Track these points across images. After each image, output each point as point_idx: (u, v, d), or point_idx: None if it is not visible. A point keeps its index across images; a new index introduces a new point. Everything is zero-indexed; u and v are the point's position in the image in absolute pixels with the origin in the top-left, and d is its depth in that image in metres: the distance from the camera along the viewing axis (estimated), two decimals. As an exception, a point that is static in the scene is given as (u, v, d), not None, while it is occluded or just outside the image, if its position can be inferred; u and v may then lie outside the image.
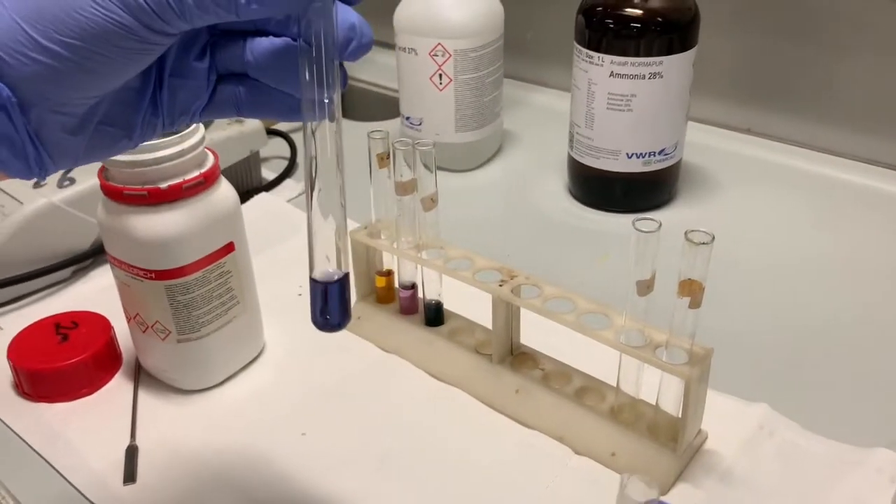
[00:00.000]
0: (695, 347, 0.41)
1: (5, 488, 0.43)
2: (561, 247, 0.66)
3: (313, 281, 0.31)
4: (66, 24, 0.26)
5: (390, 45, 0.76)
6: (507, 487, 0.44)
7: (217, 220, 0.47)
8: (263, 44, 0.30)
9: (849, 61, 0.74)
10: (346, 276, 0.31)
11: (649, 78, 0.63)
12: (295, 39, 0.30)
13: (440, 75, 0.74)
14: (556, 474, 0.44)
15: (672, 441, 0.43)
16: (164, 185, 0.44)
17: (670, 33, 0.62)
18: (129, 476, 0.44)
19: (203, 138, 0.46)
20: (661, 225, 0.39)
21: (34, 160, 0.28)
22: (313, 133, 0.29)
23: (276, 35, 0.30)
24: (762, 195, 0.73)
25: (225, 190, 0.48)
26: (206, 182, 0.46)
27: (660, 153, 0.67)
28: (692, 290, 0.39)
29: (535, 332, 0.49)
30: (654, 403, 0.44)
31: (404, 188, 0.49)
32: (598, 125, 0.67)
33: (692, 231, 0.38)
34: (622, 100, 0.64)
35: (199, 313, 0.48)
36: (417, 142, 0.48)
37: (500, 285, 0.47)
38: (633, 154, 0.66)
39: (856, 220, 0.68)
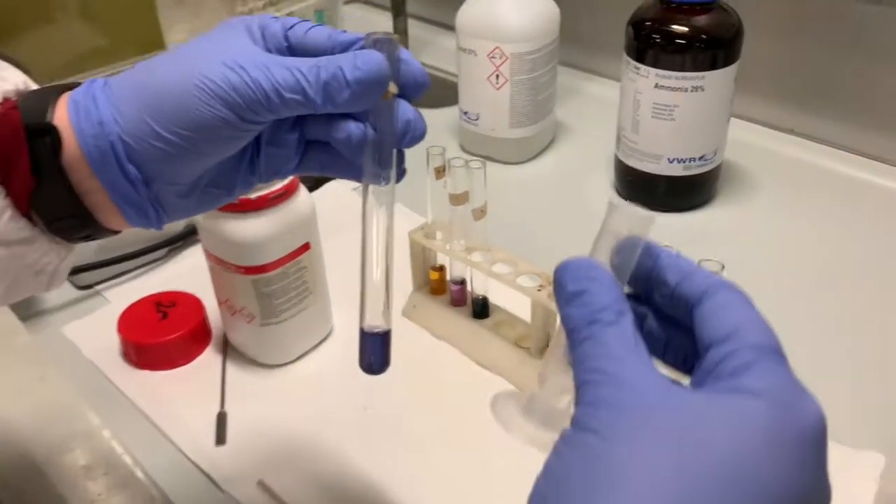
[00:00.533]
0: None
1: (123, 446, 0.53)
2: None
3: (362, 331, 0.38)
4: (182, 119, 0.33)
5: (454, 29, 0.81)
6: (535, 461, 0.51)
7: (296, 225, 0.54)
8: (345, 128, 0.36)
9: (892, 67, 0.77)
10: (389, 332, 0.39)
11: (691, 91, 0.67)
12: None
13: (497, 76, 0.79)
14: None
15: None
16: (253, 196, 0.52)
17: (713, 49, 0.66)
18: (221, 439, 0.53)
19: (286, 155, 0.53)
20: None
21: (154, 218, 0.36)
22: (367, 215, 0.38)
23: (353, 117, 0.37)
24: (801, 197, 0.76)
25: (303, 197, 0.55)
26: (287, 193, 0.53)
27: (699, 159, 0.72)
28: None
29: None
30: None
31: (457, 199, 0.56)
32: (643, 131, 0.71)
33: (705, 260, 0.44)
34: (665, 109, 0.69)
35: (279, 302, 0.56)
36: (470, 160, 0.54)
37: (539, 290, 0.54)
38: (674, 159, 0.71)
39: (892, 227, 0.72)
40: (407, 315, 0.63)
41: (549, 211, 0.78)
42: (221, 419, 0.55)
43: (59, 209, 0.34)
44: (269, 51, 0.36)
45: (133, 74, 0.35)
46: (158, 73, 0.34)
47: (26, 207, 0.34)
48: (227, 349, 0.61)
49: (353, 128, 0.36)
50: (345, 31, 0.37)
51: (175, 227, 0.71)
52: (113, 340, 0.61)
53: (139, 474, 0.51)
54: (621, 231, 0.30)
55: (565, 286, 0.29)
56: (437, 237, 0.61)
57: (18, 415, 0.55)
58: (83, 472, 0.51)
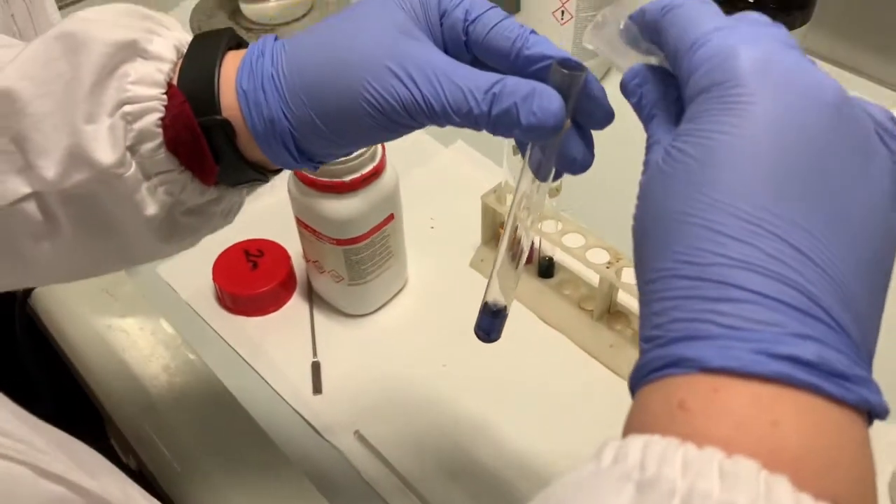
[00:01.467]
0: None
1: (230, 392, 0.60)
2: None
3: (484, 304, 0.41)
4: (347, 125, 0.35)
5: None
6: (593, 425, 0.58)
7: (383, 200, 0.58)
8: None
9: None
10: (505, 309, 0.41)
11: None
12: None
13: (562, 11, 0.79)
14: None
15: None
16: (347, 179, 0.55)
17: (785, 11, 0.67)
18: (317, 388, 0.60)
19: (377, 138, 0.56)
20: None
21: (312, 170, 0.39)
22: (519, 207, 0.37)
23: None
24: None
25: (390, 174, 0.58)
26: (376, 173, 0.57)
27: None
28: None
29: (632, 279, 0.61)
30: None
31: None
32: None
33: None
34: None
35: (366, 267, 0.61)
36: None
37: (608, 267, 0.58)
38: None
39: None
40: (475, 267, 0.68)
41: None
42: (316, 369, 0.61)
43: (240, 177, 0.38)
44: (435, 36, 0.35)
45: (299, 62, 0.35)
46: (324, 73, 0.34)
47: (212, 182, 0.38)
48: (313, 298, 0.66)
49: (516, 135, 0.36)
50: (533, 33, 0.35)
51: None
52: (206, 284, 0.67)
53: (249, 416, 0.58)
54: None
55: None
56: (508, 201, 0.64)
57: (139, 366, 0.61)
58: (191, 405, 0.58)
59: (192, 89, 0.36)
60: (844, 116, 0.26)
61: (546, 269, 0.65)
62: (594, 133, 0.37)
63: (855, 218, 0.25)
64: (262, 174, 0.39)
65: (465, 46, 0.36)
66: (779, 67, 0.26)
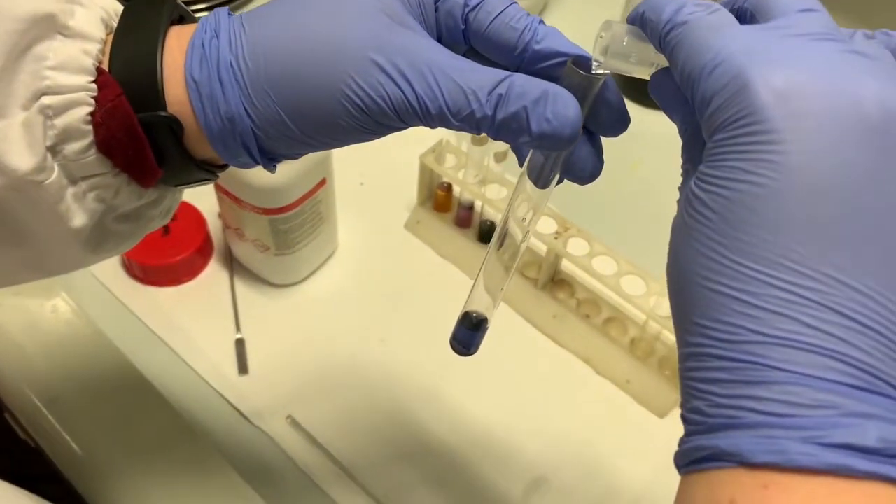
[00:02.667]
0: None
1: (142, 374, 0.54)
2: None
3: (465, 314, 0.35)
4: (323, 126, 0.29)
5: None
6: (537, 395, 0.56)
7: (316, 164, 0.52)
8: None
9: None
10: (486, 321, 0.36)
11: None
12: None
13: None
14: (578, 390, 0.57)
15: (676, 377, 0.55)
16: (275, 143, 0.49)
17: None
18: (243, 368, 0.55)
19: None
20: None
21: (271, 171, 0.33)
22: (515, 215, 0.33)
23: None
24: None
25: (321, 135, 0.52)
26: (309, 136, 0.51)
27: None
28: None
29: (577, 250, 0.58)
30: (667, 343, 0.55)
31: (479, 141, 0.55)
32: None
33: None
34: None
35: (295, 236, 0.55)
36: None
37: (556, 238, 0.55)
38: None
39: None
40: (410, 229, 0.64)
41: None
42: (240, 346, 0.56)
43: (186, 178, 0.32)
44: (429, 24, 0.30)
45: (264, 47, 0.29)
46: (296, 63, 0.28)
47: (152, 185, 0.32)
48: (233, 265, 0.61)
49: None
50: (541, 23, 0.30)
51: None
52: (110, 250, 0.60)
53: (164, 399, 0.53)
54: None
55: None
56: (447, 161, 0.60)
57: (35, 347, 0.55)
58: (110, 398, 0.53)
59: (130, 77, 0.29)
60: (893, 136, 0.22)
61: (487, 233, 0.62)
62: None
63: None
64: (211, 172, 0.33)
65: (462, 36, 0.30)
66: (806, 93, 0.22)
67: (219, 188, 0.53)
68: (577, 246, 0.55)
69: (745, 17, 0.27)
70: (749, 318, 0.22)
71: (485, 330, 0.35)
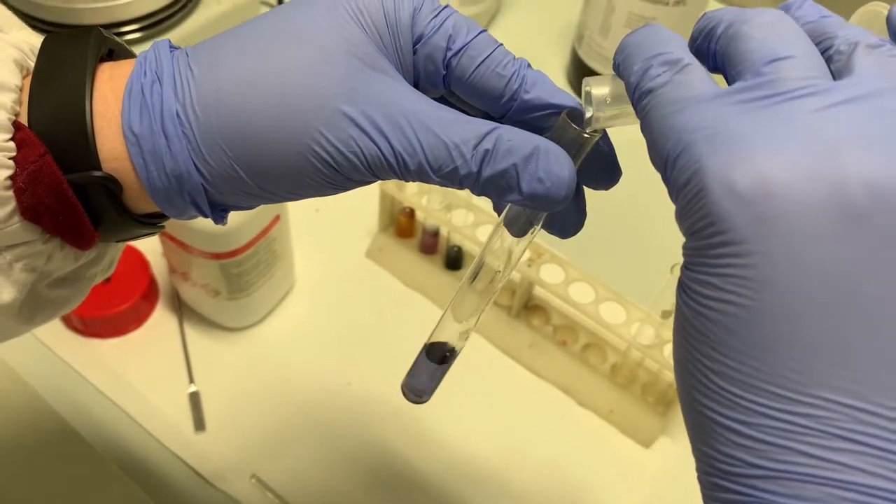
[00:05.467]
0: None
1: (86, 440, 0.49)
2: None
3: (432, 345, 0.31)
4: (287, 182, 0.26)
5: None
6: (518, 430, 0.53)
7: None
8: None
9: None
10: (454, 354, 0.31)
11: (673, 5, 0.62)
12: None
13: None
14: (560, 422, 0.54)
15: (660, 404, 0.53)
16: (222, 184, 0.45)
17: (701, -39, 0.61)
18: (199, 424, 0.51)
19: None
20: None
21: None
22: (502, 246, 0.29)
23: None
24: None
25: (272, 169, 0.48)
26: (259, 173, 0.46)
27: (665, 69, 0.68)
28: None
29: (552, 277, 0.55)
30: (650, 369, 0.53)
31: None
32: (613, 38, 0.66)
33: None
34: (641, 21, 0.64)
35: (248, 278, 0.51)
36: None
37: (529, 265, 0.52)
38: (640, 70, 0.67)
39: None
40: (371, 257, 0.60)
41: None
42: (195, 399, 0.52)
43: (127, 235, 0.28)
44: (405, 67, 0.26)
45: (217, 94, 0.25)
46: (255, 114, 0.25)
47: (90, 248, 0.28)
48: (182, 309, 0.56)
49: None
50: (529, 67, 0.27)
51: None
52: (45, 299, 0.54)
53: (114, 467, 0.48)
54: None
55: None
56: (409, 187, 0.56)
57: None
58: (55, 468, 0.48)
59: (54, 131, 0.25)
60: (882, 221, 0.19)
61: (454, 260, 0.58)
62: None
63: None
64: (155, 226, 0.29)
65: (441, 81, 0.27)
66: (772, 188, 0.19)
67: (162, 232, 0.49)
68: (551, 272, 0.52)
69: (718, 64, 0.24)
70: (746, 449, 0.19)
71: (447, 367, 0.32)
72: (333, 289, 0.59)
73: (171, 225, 0.47)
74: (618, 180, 0.28)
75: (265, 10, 0.71)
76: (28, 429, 0.50)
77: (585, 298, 0.51)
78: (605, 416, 0.54)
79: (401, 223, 0.59)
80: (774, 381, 0.19)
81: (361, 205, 0.61)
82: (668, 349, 0.49)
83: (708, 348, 0.20)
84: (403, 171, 0.25)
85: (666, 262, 0.45)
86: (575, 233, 0.29)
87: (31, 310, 0.28)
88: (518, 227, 0.29)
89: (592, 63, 0.69)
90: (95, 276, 0.30)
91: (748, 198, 0.19)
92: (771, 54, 0.21)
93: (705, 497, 0.21)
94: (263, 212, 0.48)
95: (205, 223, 0.45)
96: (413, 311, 0.58)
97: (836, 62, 0.21)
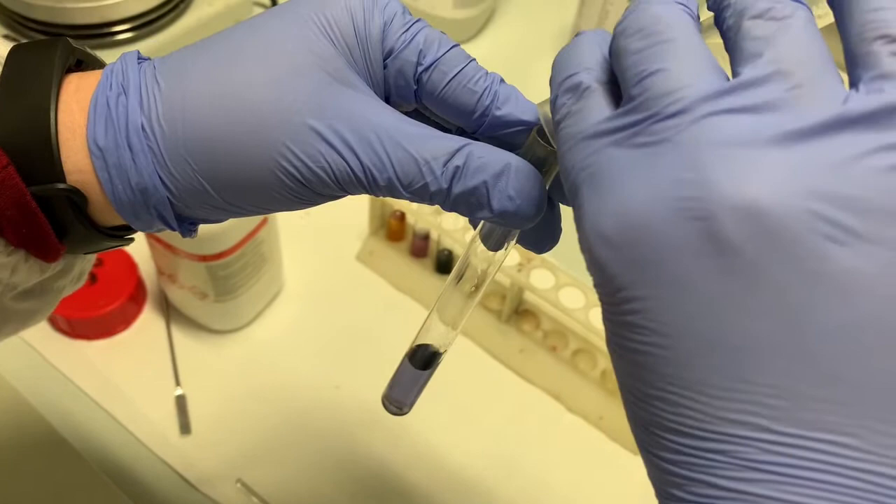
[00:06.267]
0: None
1: (70, 443, 0.49)
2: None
3: (417, 348, 0.30)
4: (254, 196, 0.25)
5: None
6: (508, 436, 0.53)
7: (255, 204, 0.48)
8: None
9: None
10: (439, 357, 0.31)
11: (666, 10, 0.62)
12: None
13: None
14: (550, 429, 0.53)
15: (650, 411, 0.52)
16: (208, 186, 0.44)
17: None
18: (185, 427, 0.50)
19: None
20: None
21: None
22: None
23: None
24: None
25: (260, 172, 0.48)
26: (246, 175, 0.46)
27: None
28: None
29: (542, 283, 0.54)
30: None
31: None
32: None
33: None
34: (634, 25, 0.64)
35: (236, 280, 0.51)
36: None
37: (518, 270, 0.52)
38: (634, 74, 0.67)
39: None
40: (362, 261, 0.60)
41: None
42: (181, 403, 0.51)
43: (93, 248, 0.28)
44: (375, 81, 0.26)
45: (182, 108, 0.25)
46: (221, 128, 0.24)
47: (56, 260, 0.27)
48: (169, 311, 0.55)
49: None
50: (502, 83, 0.26)
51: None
52: (31, 301, 0.54)
53: (97, 471, 0.48)
54: None
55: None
56: (399, 189, 0.56)
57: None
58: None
59: (18, 143, 0.24)
60: (748, 246, 0.17)
61: (444, 263, 0.58)
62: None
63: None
64: (121, 239, 0.28)
65: (413, 96, 0.27)
66: (640, 237, 0.19)
67: (149, 234, 0.48)
68: (541, 278, 0.52)
69: None
70: (672, 483, 0.19)
71: (430, 373, 0.31)
72: (323, 292, 0.58)
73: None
74: None
75: (259, 10, 0.70)
76: (11, 431, 0.49)
77: (575, 303, 0.51)
78: (594, 422, 0.53)
79: (391, 226, 0.59)
80: (678, 420, 0.19)
81: (352, 208, 0.60)
82: (658, 355, 0.49)
83: (629, 389, 0.20)
84: (373, 186, 0.25)
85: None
86: (550, 248, 0.28)
87: None
88: (493, 242, 0.28)
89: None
90: (64, 289, 0.30)
91: (618, 244, 0.19)
92: (639, 72, 0.19)
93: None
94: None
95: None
96: (403, 314, 0.57)
97: (727, 45, 0.20)
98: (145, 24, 0.65)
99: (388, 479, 0.50)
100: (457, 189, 0.24)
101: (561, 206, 0.28)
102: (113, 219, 0.27)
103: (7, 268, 0.26)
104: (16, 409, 0.50)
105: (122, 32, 0.65)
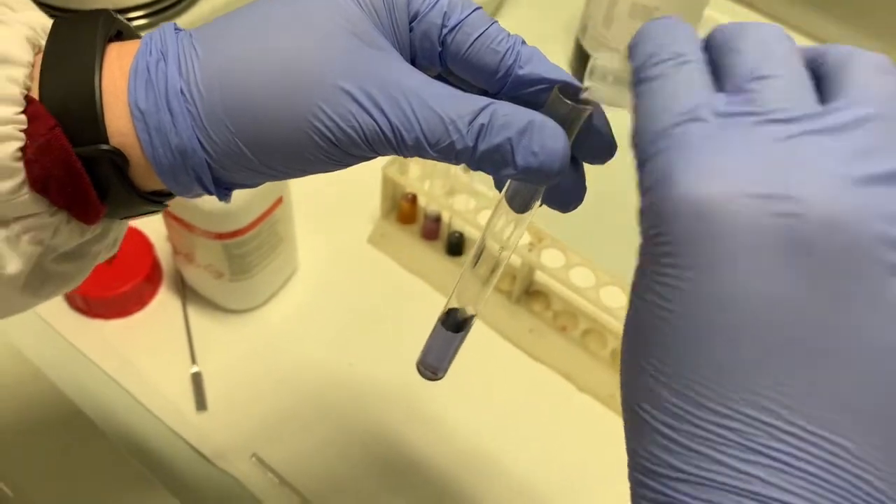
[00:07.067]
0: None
1: (90, 417, 0.50)
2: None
3: (449, 312, 0.32)
4: (288, 157, 0.26)
5: None
6: (519, 416, 0.53)
7: (271, 183, 0.48)
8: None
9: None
10: (471, 320, 0.32)
11: (675, -6, 0.63)
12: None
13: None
14: (561, 408, 0.54)
15: (659, 390, 0.53)
16: (225, 164, 0.45)
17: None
18: (201, 404, 0.51)
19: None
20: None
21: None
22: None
23: None
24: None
25: (276, 151, 0.49)
26: (262, 153, 0.47)
27: (668, 60, 0.68)
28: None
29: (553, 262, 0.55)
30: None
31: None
32: (616, 28, 0.66)
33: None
34: (645, 10, 0.64)
35: (251, 259, 0.51)
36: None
37: (529, 250, 0.52)
38: (643, 60, 0.68)
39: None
40: (374, 243, 0.60)
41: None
42: (197, 380, 0.52)
43: (132, 212, 0.29)
44: (402, 44, 0.27)
45: (220, 73, 0.26)
46: (257, 91, 0.25)
47: (96, 222, 0.28)
48: (185, 291, 0.56)
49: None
50: (524, 45, 0.27)
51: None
52: (49, 281, 0.55)
53: (117, 445, 0.49)
54: None
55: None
56: (411, 172, 0.56)
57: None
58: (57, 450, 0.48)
59: (64, 106, 0.25)
60: (823, 251, 0.19)
61: (455, 245, 0.59)
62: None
63: (855, 387, 0.19)
64: (159, 203, 0.29)
65: (438, 58, 0.28)
66: (715, 208, 0.19)
67: (166, 212, 0.49)
68: (552, 257, 0.53)
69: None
70: (671, 452, 0.20)
71: (463, 336, 0.32)
72: (336, 274, 0.59)
73: (174, 204, 0.47)
74: (613, 153, 0.28)
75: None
76: (33, 408, 0.50)
77: (586, 283, 0.52)
78: (604, 400, 0.54)
79: (403, 209, 0.59)
80: (700, 391, 0.19)
81: (364, 191, 0.61)
82: (668, 333, 0.50)
83: (646, 348, 0.20)
84: (401, 145, 0.26)
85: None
86: (575, 206, 0.29)
87: (36, 283, 0.29)
88: (519, 203, 0.29)
89: (596, 54, 0.69)
90: (99, 254, 0.31)
91: (697, 214, 0.19)
92: (754, 71, 0.21)
93: (632, 494, 0.21)
94: (266, 193, 0.49)
95: (208, 202, 0.46)
96: (414, 296, 0.58)
97: (825, 82, 0.21)
98: (160, 10, 0.66)
99: (399, 453, 0.51)
100: (482, 146, 0.25)
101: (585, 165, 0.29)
102: (152, 182, 0.28)
103: (49, 228, 0.27)
104: (36, 386, 0.51)
105: (137, 19, 0.65)
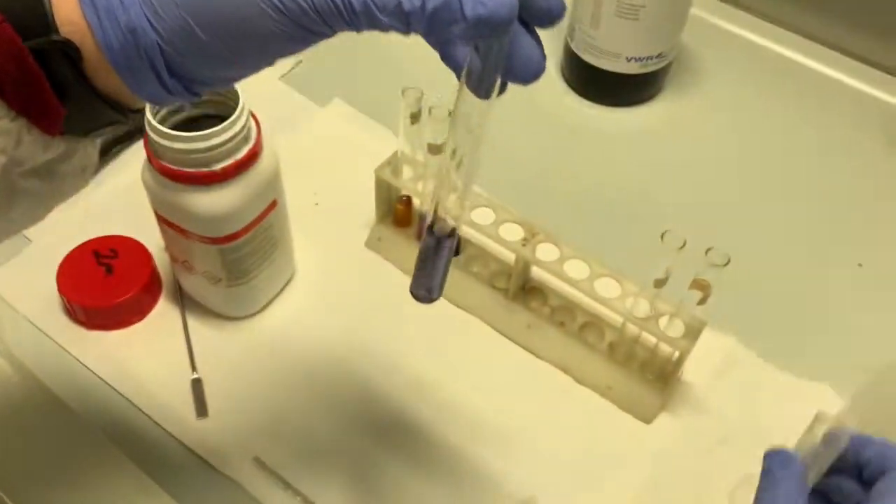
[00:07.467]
0: (692, 321, 0.49)
1: (93, 427, 0.50)
2: (557, 140, 0.68)
3: (429, 231, 0.33)
4: (239, 33, 0.26)
5: None
6: (518, 410, 0.53)
7: (263, 186, 0.49)
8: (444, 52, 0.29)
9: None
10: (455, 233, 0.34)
11: (660, -8, 0.63)
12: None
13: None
14: (560, 401, 0.54)
15: (659, 380, 0.53)
16: (217, 168, 0.46)
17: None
18: (202, 410, 0.51)
19: (248, 116, 0.46)
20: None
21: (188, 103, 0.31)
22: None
23: None
24: (750, 86, 0.75)
25: (268, 154, 0.49)
26: (253, 157, 0.47)
27: (657, 56, 0.69)
28: (703, 287, 0.46)
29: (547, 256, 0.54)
30: (648, 346, 0.53)
31: (436, 149, 0.52)
32: (604, 28, 0.67)
33: (712, 250, 0.44)
34: (631, 9, 0.65)
35: (248, 264, 0.52)
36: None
37: (523, 245, 0.53)
38: (633, 58, 0.68)
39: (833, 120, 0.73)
40: (372, 248, 0.61)
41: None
42: (197, 387, 0.52)
43: (94, 120, 0.29)
44: None
45: None
46: None
47: (57, 130, 0.29)
48: (184, 300, 0.57)
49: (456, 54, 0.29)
50: None
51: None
52: (50, 293, 0.55)
53: (118, 453, 0.49)
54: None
55: None
56: (404, 174, 0.57)
57: None
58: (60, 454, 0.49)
59: (9, 1, 0.26)
60: None
61: (451, 245, 0.59)
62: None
63: None
64: (121, 112, 0.30)
65: None
66: None
67: (162, 220, 0.50)
68: (546, 251, 0.53)
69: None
70: None
71: (451, 252, 0.34)
72: (333, 279, 0.59)
73: (169, 211, 0.48)
74: (563, 14, 0.28)
75: None
76: (35, 419, 0.51)
77: (581, 275, 0.52)
78: (603, 392, 0.54)
79: (398, 212, 0.60)
80: None
81: (359, 196, 0.61)
82: (664, 322, 0.50)
83: None
84: (350, 14, 0.26)
85: (656, 229, 0.45)
86: (537, 75, 0.29)
87: (6, 198, 0.29)
88: (480, 82, 0.29)
89: (586, 56, 0.70)
90: (67, 177, 0.31)
91: None
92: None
93: None
94: (259, 197, 0.49)
95: (202, 207, 0.46)
96: (413, 299, 0.58)
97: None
98: None
99: (398, 457, 0.51)
100: (431, 4, 0.26)
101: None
102: (108, 80, 0.28)
103: (12, 136, 0.27)
104: (38, 397, 0.51)
105: None
